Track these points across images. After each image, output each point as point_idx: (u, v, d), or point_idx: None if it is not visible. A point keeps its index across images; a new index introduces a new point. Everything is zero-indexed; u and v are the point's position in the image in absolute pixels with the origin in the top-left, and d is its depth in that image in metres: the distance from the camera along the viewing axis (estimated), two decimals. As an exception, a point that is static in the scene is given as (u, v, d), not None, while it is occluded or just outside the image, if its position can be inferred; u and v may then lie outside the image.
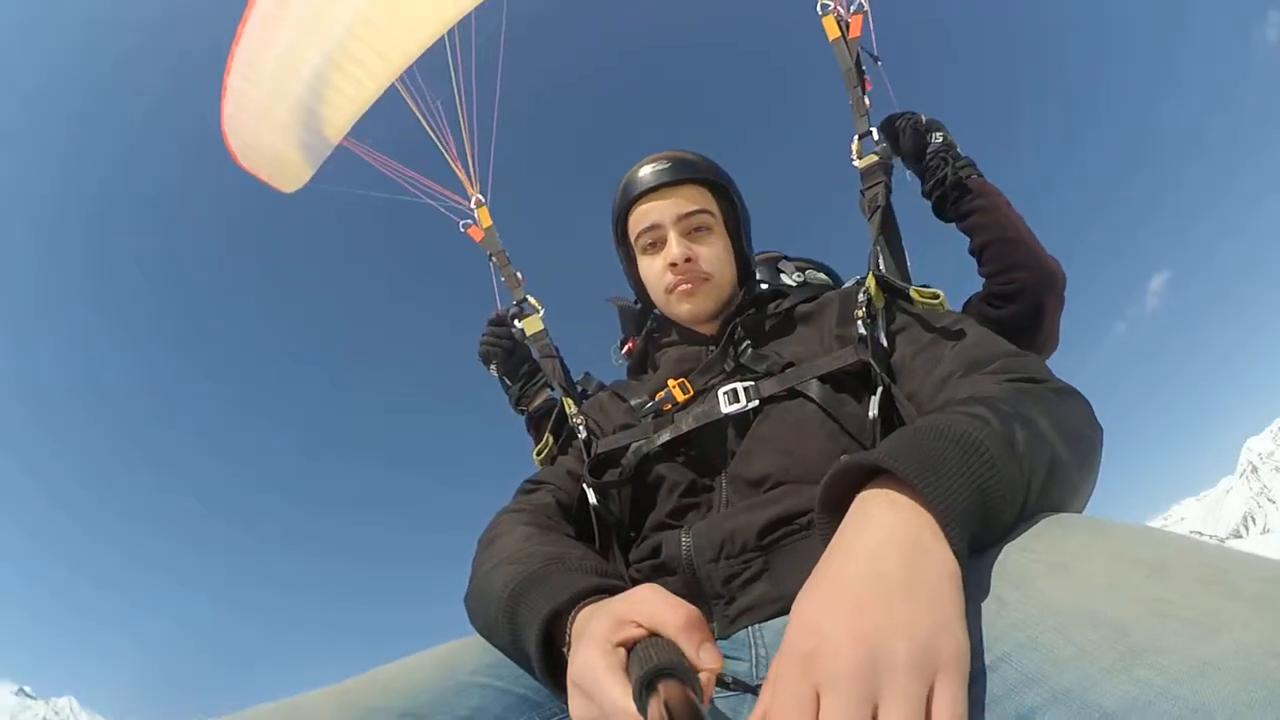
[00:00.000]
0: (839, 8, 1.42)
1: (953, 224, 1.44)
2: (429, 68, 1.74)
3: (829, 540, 0.60)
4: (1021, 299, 1.37)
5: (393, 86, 1.74)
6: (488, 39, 1.78)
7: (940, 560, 0.53)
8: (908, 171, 1.45)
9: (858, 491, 0.62)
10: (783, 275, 1.59)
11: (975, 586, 0.55)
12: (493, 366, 1.67)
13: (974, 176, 1.39)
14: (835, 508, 0.64)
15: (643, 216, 1.23)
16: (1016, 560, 0.56)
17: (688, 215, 1.20)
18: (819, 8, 1.42)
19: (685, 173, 1.22)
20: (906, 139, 1.40)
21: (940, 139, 1.39)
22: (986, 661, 0.50)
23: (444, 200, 1.63)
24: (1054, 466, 0.67)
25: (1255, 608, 0.42)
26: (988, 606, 0.53)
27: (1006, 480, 0.60)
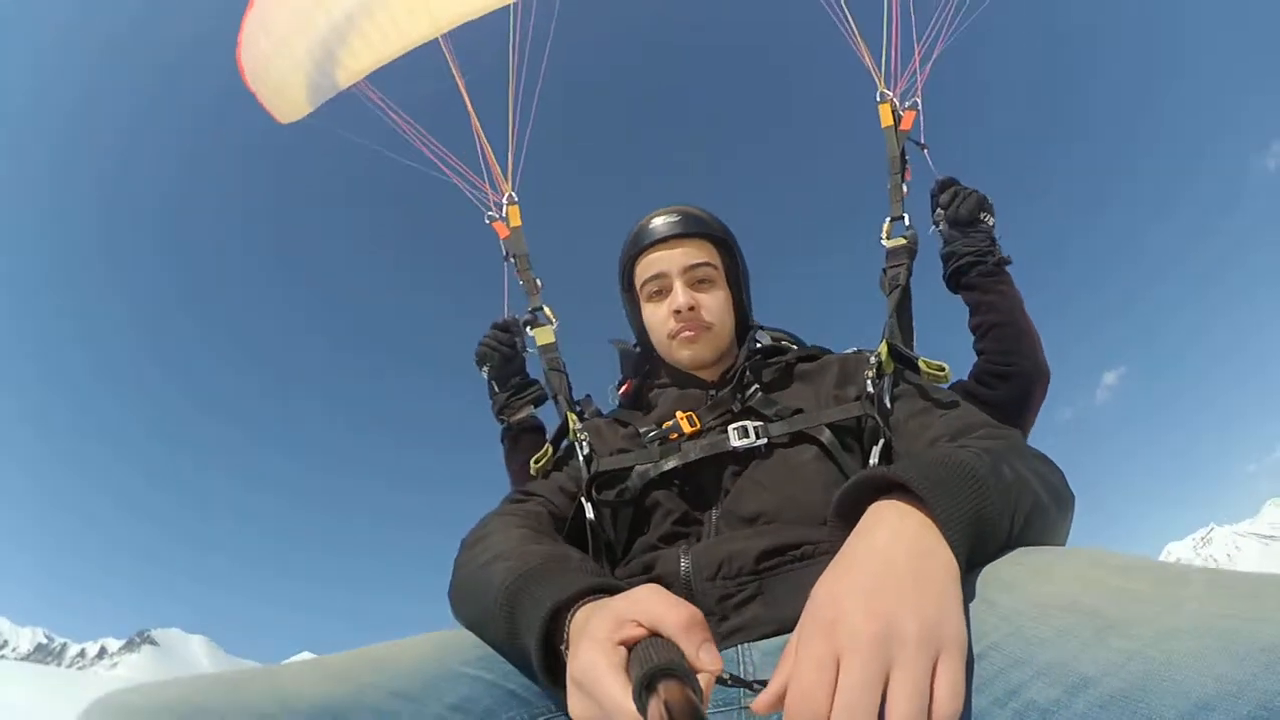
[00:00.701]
0: (895, 99, 1.51)
1: (958, 294, 1.52)
2: (489, 51, 1.72)
3: (840, 545, 0.67)
4: (1015, 382, 1.46)
5: (447, 70, 1.68)
6: (536, 37, 1.77)
7: (944, 561, 0.61)
8: (933, 227, 1.54)
9: (869, 504, 0.70)
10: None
11: (968, 591, 0.62)
12: (486, 369, 1.63)
13: (1007, 267, 1.50)
14: (847, 517, 0.71)
15: (651, 264, 1.28)
16: (1004, 570, 0.65)
17: (694, 267, 1.26)
18: (878, 95, 1.51)
19: (693, 227, 1.28)
20: (965, 206, 1.48)
21: (992, 222, 1.50)
22: (977, 651, 0.57)
23: (474, 187, 1.60)
24: (1035, 505, 0.76)
25: (1209, 590, 0.51)
26: (978, 606, 0.61)
27: (997, 508, 0.68)
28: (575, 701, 0.61)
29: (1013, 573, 0.64)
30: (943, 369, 1.13)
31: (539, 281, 1.56)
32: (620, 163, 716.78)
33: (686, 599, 0.95)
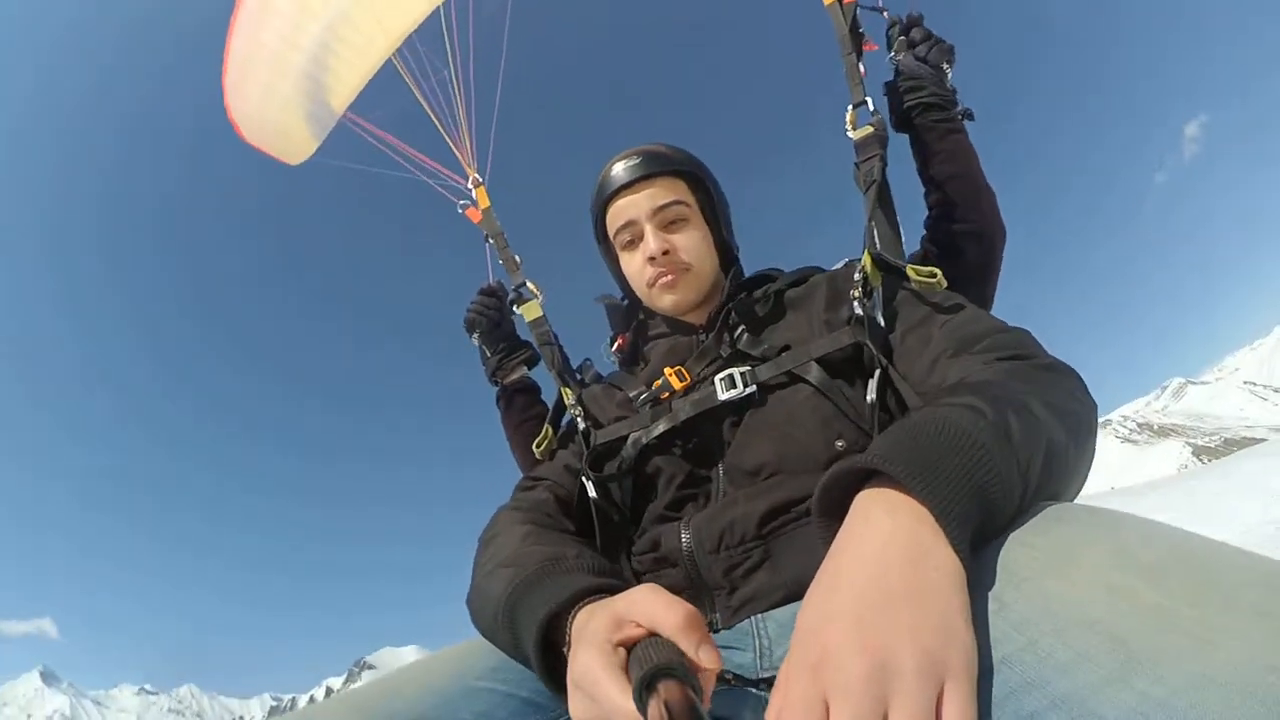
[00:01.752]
0: None
1: (907, 132, 1.41)
2: (427, 39, 1.70)
3: (829, 544, 0.60)
4: (978, 242, 1.34)
5: (389, 62, 1.70)
6: (491, 11, 1.72)
7: (942, 562, 0.53)
8: (891, 56, 1.42)
9: (855, 493, 0.62)
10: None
11: (977, 585, 0.54)
12: (475, 335, 1.67)
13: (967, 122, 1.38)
14: (833, 512, 0.63)
15: (619, 213, 1.23)
16: (1017, 557, 0.56)
17: (662, 208, 1.20)
18: None
19: (657, 166, 1.22)
20: (936, 50, 1.37)
21: (951, 75, 1.38)
22: (988, 664, 0.50)
23: (441, 179, 1.61)
24: (1051, 451, 0.66)
25: (1252, 619, 0.42)
26: (989, 607, 0.53)
27: (1004, 473, 0.59)
28: (575, 703, 0.62)
29: (1027, 560, 0.55)
30: (934, 275, 1.01)
31: (518, 258, 1.57)
32: (579, 105, 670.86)
33: (693, 574, 0.96)
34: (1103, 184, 62.85)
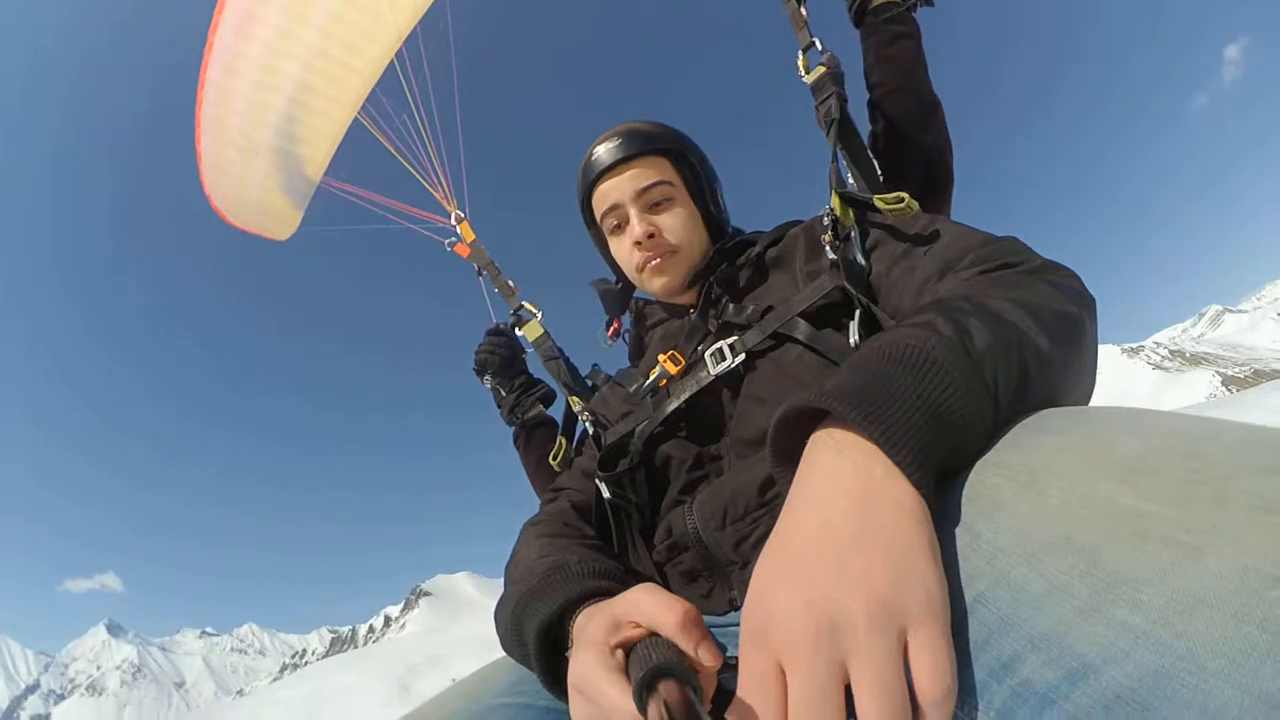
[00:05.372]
0: None
1: (860, 28, 1.36)
2: (386, 93, 1.73)
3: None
4: (926, 163, 1.29)
5: (356, 120, 1.73)
6: (438, 49, 1.75)
7: (896, 501, 0.48)
8: None
9: (810, 435, 0.57)
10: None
11: (948, 517, 0.49)
12: (487, 377, 1.67)
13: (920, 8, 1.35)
14: (789, 459, 0.59)
15: (603, 198, 1.21)
16: (988, 480, 0.50)
17: (646, 189, 1.17)
18: None
19: (637, 146, 1.19)
20: None
21: None
22: (964, 606, 0.45)
23: (425, 224, 1.63)
24: (1029, 359, 0.60)
25: (1246, 514, 0.35)
26: (961, 539, 0.48)
27: (966, 390, 0.54)
28: (575, 705, 0.62)
29: (998, 484, 0.49)
30: (902, 200, 0.96)
31: (511, 283, 1.58)
32: (547, 106, 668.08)
33: (704, 554, 0.95)
34: (1137, 108, 59.71)
